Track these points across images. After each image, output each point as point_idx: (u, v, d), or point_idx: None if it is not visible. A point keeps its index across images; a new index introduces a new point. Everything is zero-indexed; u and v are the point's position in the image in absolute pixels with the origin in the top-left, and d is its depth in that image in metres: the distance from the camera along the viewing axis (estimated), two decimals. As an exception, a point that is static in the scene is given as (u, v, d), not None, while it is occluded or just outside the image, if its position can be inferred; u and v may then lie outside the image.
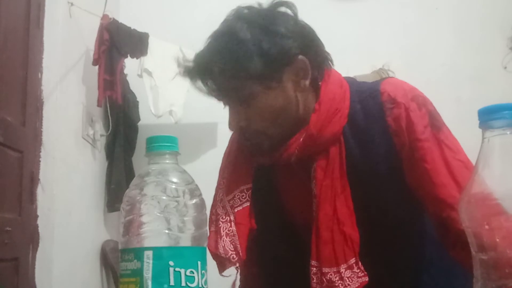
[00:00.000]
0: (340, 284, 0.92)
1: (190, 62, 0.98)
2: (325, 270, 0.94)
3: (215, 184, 1.14)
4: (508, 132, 0.58)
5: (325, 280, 0.93)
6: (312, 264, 0.95)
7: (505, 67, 3.44)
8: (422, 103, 0.98)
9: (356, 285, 0.92)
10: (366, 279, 0.93)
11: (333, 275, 0.93)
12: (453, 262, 0.94)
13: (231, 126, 0.98)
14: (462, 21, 3.50)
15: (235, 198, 1.01)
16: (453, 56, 3.44)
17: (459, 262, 0.90)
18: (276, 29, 0.93)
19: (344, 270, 0.93)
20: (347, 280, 0.92)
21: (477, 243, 0.58)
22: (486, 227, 0.57)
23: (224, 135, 1.13)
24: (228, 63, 0.92)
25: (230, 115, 0.98)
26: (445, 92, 3.11)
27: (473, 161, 0.62)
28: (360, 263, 0.94)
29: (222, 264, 0.98)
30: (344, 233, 0.95)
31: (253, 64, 0.91)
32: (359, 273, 0.93)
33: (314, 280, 0.94)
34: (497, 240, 0.56)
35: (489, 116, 0.59)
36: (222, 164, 1.12)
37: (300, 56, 0.95)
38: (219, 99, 1.00)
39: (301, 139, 0.96)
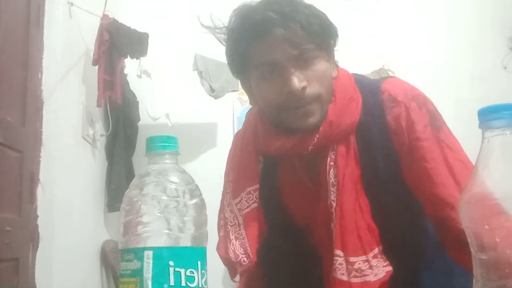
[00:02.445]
0: (370, 273, 0.91)
1: (257, 13, 0.93)
2: (353, 259, 0.92)
3: (215, 184, 1.14)
4: (508, 132, 0.58)
5: (353, 270, 0.91)
6: (336, 254, 0.93)
7: (505, 67, 3.45)
8: (423, 102, 0.98)
9: (383, 274, 0.91)
10: (390, 268, 0.92)
11: (362, 263, 0.91)
12: (453, 262, 0.94)
13: (293, 85, 0.91)
14: (462, 21, 3.50)
15: (242, 201, 1.01)
16: (453, 56, 3.44)
17: (459, 262, 0.90)
18: (323, 12, 0.98)
19: (371, 259, 0.92)
20: (375, 269, 0.91)
21: (477, 243, 0.58)
22: (486, 227, 0.57)
23: (224, 135, 1.13)
24: (312, 12, 0.94)
25: (289, 78, 0.92)
26: (445, 92, 3.12)
27: (473, 161, 0.62)
28: (382, 253, 0.93)
29: (233, 268, 0.98)
30: (367, 222, 0.94)
31: (320, 27, 0.94)
32: (383, 262, 0.92)
33: (339, 271, 0.92)
34: (497, 240, 0.56)
35: (489, 116, 0.59)
36: (226, 167, 1.12)
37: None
38: (281, 57, 0.93)
39: (320, 127, 0.96)
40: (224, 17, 1.01)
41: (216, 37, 1.02)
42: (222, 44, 1.02)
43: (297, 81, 0.91)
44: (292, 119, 0.96)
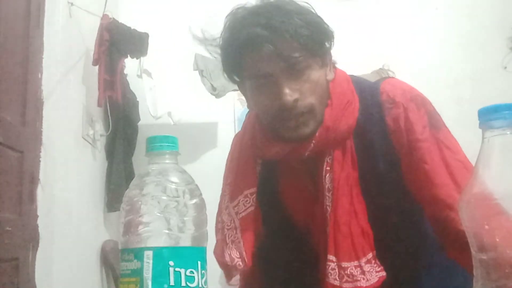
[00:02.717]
0: (362, 278, 0.91)
1: (246, 27, 0.92)
2: (345, 264, 0.92)
3: (215, 184, 1.14)
4: (508, 132, 0.58)
5: (345, 275, 0.91)
6: (329, 259, 0.94)
7: (505, 67, 3.44)
8: (421, 103, 0.98)
9: (376, 280, 0.91)
10: (384, 273, 0.92)
11: (354, 269, 0.92)
12: (453, 263, 0.94)
13: (285, 99, 0.91)
14: (462, 21, 3.50)
15: (239, 204, 1.01)
16: (453, 56, 3.44)
17: (458, 262, 0.90)
18: (317, 14, 0.96)
19: (364, 264, 0.92)
20: (368, 275, 0.91)
21: (477, 243, 0.58)
22: (486, 227, 0.57)
23: (224, 135, 1.13)
24: (303, 20, 0.92)
25: (280, 92, 0.92)
26: (445, 92, 3.12)
27: (473, 161, 0.62)
28: (376, 258, 0.93)
29: (229, 272, 0.97)
30: (362, 227, 0.94)
31: (312, 34, 0.93)
32: (377, 267, 0.93)
33: (332, 276, 0.92)
34: (497, 240, 0.56)
35: (489, 116, 0.59)
36: (225, 170, 1.12)
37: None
38: (272, 70, 0.92)
39: (317, 133, 0.96)
40: (222, 17, 1.00)
41: (207, 50, 1.03)
42: (213, 56, 1.03)
43: (288, 94, 0.91)
44: (285, 130, 0.96)
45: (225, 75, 1.03)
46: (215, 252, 0.99)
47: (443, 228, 0.94)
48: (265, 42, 0.91)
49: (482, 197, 0.58)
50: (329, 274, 0.93)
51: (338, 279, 0.92)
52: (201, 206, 0.74)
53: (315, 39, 0.94)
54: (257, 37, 0.91)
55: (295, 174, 1.05)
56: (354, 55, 2.91)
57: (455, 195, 0.88)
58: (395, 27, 3.47)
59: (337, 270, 0.92)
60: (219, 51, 1.00)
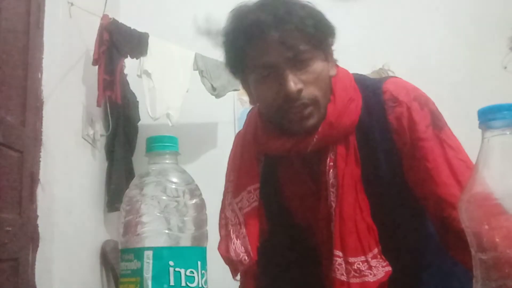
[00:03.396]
0: (369, 274, 0.91)
1: (251, 15, 0.93)
2: (352, 259, 0.93)
3: (215, 184, 1.14)
4: (508, 132, 0.58)
5: (352, 270, 0.92)
6: (336, 254, 0.94)
7: (505, 67, 3.44)
8: (424, 102, 0.99)
9: (382, 275, 0.92)
10: (390, 268, 0.93)
11: (361, 264, 0.92)
12: (454, 262, 0.94)
13: (289, 88, 0.91)
14: (462, 21, 3.50)
15: (243, 200, 1.01)
16: (453, 56, 3.44)
17: (460, 262, 0.91)
18: (319, 10, 0.97)
19: (370, 259, 0.93)
20: (375, 270, 0.92)
21: (477, 243, 0.58)
22: (486, 227, 0.57)
23: (224, 135, 1.13)
24: (307, 12, 0.93)
25: (285, 81, 0.92)
26: (445, 92, 3.11)
27: (474, 161, 0.62)
28: (382, 253, 0.94)
29: (235, 267, 0.98)
30: (367, 222, 0.95)
31: (316, 27, 0.93)
32: (383, 262, 0.93)
33: (339, 271, 0.93)
34: (497, 240, 0.57)
35: (489, 116, 0.59)
36: (228, 168, 1.12)
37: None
38: (276, 60, 0.93)
39: (320, 128, 0.96)
40: (223, 17, 1.00)
41: (212, 41, 1.03)
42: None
43: (293, 84, 0.92)
44: (290, 122, 0.96)
45: (228, 69, 1.03)
46: (219, 248, 1.00)
47: (445, 227, 0.94)
48: (270, 30, 0.91)
49: (482, 197, 0.58)
50: (336, 269, 0.93)
51: (345, 274, 0.92)
52: (201, 206, 0.74)
53: (319, 31, 0.94)
54: (263, 24, 0.91)
55: (297, 171, 1.05)
56: (354, 55, 2.91)
57: (457, 194, 0.88)
58: (395, 27, 3.47)
59: (344, 265, 0.93)
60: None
